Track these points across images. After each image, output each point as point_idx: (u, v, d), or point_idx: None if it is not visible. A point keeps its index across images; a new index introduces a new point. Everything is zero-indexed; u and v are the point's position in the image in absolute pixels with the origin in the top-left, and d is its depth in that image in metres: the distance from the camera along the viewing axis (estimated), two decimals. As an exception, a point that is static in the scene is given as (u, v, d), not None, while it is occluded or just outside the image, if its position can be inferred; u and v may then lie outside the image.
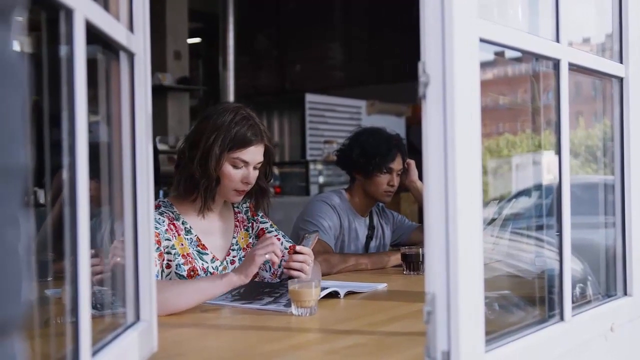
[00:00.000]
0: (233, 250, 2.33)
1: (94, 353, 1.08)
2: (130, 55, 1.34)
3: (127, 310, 1.35)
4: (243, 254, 2.34)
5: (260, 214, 2.44)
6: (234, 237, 2.35)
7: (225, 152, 2.16)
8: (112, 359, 1.15)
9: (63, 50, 1.01)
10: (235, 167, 2.19)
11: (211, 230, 2.29)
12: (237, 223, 2.38)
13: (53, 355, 1.16)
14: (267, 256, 1.97)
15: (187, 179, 2.21)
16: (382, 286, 2.35)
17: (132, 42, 1.33)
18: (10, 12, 0.58)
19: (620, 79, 1.81)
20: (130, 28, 1.34)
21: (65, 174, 1.00)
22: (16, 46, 0.59)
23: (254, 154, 2.21)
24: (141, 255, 1.37)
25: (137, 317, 1.37)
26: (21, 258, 0.58)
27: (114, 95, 1.35)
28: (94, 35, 1.11)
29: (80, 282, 1.00)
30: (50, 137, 1.03)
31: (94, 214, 1.12)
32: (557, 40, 1.52)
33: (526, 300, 1.70)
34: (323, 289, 2.03)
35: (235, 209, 2.41)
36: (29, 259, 0.59)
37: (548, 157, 1.95)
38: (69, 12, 0.99)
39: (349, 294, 2.18)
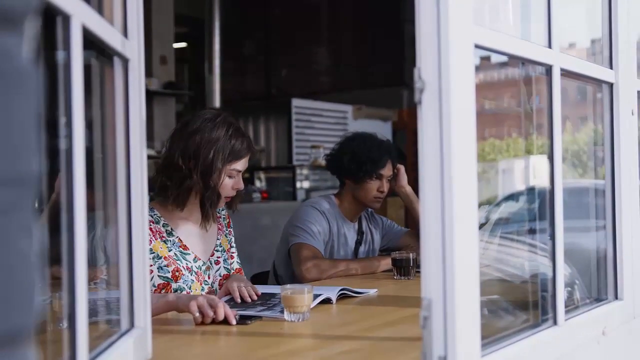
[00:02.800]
0: (217, 251, 2.41)
1: (90, 360, 1.08)
2: (125, 61, 1.34)
3: (122, 317, 1.34)
4: (226, 255, 2.43)
5: (231, 227, 2.54)
6: (218, 239, 2.43)
7: (225, 165, 2.26)
8: (108, 367, 1.15)
9: (60, 55, 1.00)
10: (230, 177, 2.29)
11: (194, 233, 2.36)
12: (220, 226, 2.47)
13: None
14: (197, 314, 1.83)
15: (186, 192, 2.25)
16: (373, 291, 2.36)
17: (126, 48, 1.33)
18: (22, 20, 0.58)
19: (610, 85, 1.82)
20: (125, 33, 1.34)
21: (62, 180, 0.99)
22: (28, 54, 0.59)
23: (246, 162, 2.33)
24: (135, 262, 1.36)
25: (132, 324, 1.36)
26: (34, 267, 0.58)
27: (107, 100, 1.34)
28: (88, 41, 1.11)
29: (78, 290, 1.00)
30: (46, 143, 1.02)
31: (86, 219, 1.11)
32: (549, 46, 1.53)
33: (519, 304, 1.70)
34: (315, 295, 2.03)
35: (216, 213, 2.47)
36: (41, 267, 0.59)
37: (535, 162, 1.96)
38: (66, 18, 0.98)
39: (342, 297, 2.19)
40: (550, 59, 1.52)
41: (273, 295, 2.19)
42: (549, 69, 1.53)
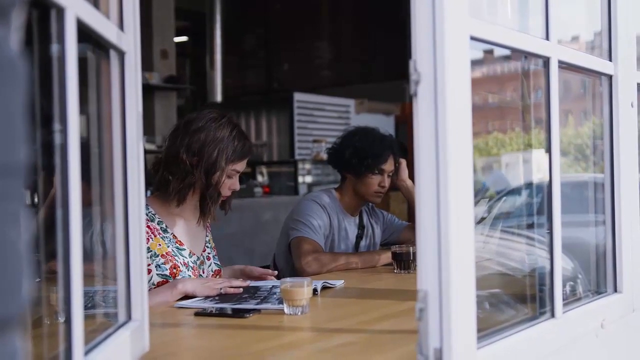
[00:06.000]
0: (208, 247, 2.47)
1: (86, 352, 1.08)
2: (121, 54, 1.34)
3: (119, 310, 1.35)
4: (214, 252, 2.49)
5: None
6: (207, 236, 2.49)
7: (228, 165, 2.30)
8: (105, 359, 1.15)
9: (54, 48, 1.00)
10: (229, 177, 2.33)
11: (186, 229, 2.39)
12: (207, 224, 2.50)
13: (45, 354, 1.15)
14: (222, 290, 2.14)
15: (188, 188, 2.29)
16: (340, 282, 2.39)
17: (122, 41, 1.32)
18: (9, 10, 0.58)
19: (610, 77, 1.81)
20: (121, 26, 1.34)
21: (57, 175, 0.99)
22: (15, 45, 0.59)
23: (244, 164, 2.38)
24: (132, 254, 1.37)
25: (129, 317, 1.36)
26: (23, 256, 0.58)
27: (103, 94, 1.34)
28: (84, 34, 1.10)
29: (73, 283, 1.00)
30: (40, 137, 1.02)
31: (84, 215, 1.11)
32: (547, 38, 1.52)
33: (517, 297, 1.70)
34: None
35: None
36: (30, 256, 0.60)
37: (537, 156, 1.96)
38: (60, 11, 0.98)
39: (324, 288, 2.24)
40: (547, 51, 1.52)
41: (258, 288, 2.23)
42: (546, 61, 1.53)
